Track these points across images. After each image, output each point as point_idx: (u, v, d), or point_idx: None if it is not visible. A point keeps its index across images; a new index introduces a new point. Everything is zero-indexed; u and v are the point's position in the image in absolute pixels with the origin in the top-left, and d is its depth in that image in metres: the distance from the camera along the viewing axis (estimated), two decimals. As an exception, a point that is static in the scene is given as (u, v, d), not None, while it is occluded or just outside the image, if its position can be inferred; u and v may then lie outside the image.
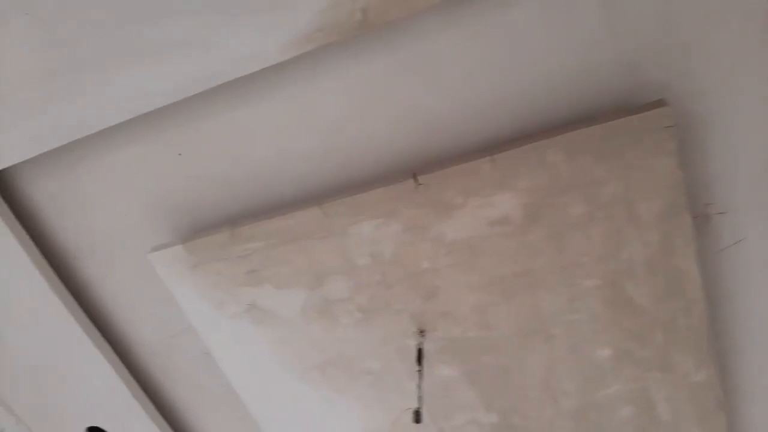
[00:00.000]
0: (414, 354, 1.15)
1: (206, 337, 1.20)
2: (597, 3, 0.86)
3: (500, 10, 0.88)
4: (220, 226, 1.12)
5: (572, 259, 1.01)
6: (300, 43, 0.88)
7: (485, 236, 1.01)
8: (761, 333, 1.11)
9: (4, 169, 1.11)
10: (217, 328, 1.18)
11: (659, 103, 0.87)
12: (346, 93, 0.98)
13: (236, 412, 1.38)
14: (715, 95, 0.91)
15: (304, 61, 0.95)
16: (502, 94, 0.94)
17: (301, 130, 1.02)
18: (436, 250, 1.03)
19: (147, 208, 1.14)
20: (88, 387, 1.32)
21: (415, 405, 1.09)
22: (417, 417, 0.98)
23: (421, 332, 1.12)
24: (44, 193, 1.15)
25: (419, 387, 1.02)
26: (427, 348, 1.14)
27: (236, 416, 1.39)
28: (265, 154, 1.05)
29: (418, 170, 0.98)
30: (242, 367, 1.23)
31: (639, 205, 0.95)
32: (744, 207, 1.00)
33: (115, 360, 1.29)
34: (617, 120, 0.88)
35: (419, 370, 1.06)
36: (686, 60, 0.88)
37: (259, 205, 1.11)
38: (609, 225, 0.97)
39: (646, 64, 0.89)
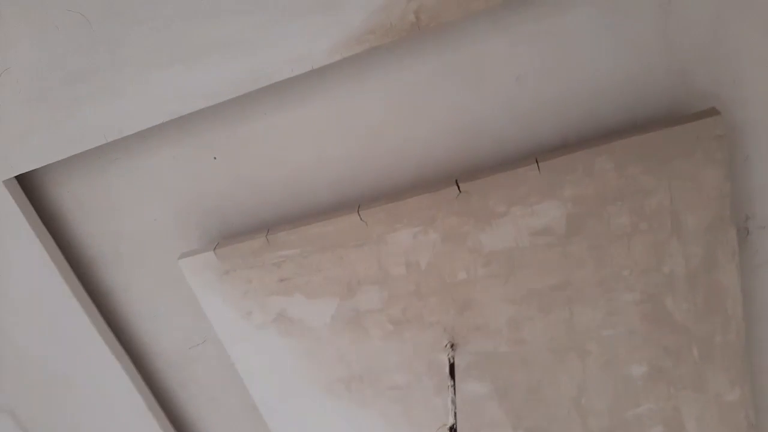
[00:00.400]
0: (444, 368, 1.10)
1: (230, 347, 1.15)
2: (653, 11, 0.84)
3: (553, 16, 0.85)
4: (253, 232, 1.07)
5: (613, 271, 0.98)
6: (350, 44, 0.86)
7: (526, 247, 0.97)
8: (798, 352, 1.08)
9: (33, 171, 1.07)
10: (242, 338, 1.13)
11: (711, 112, 0.85)
12: (389, 96, 0.95)
13: (253, 427, 1.32)
14: (763, 104, 0.89)
15: (347, 63, 0.92)
16: (550, 99, 0.92)
17: (341, 134, 0.99)
18: (474, 260, 0.99)
19: (177, 213, 1.10)
20: (102, 398, 1.25)
21: (444, 420, 1.05)
22: (454, 433, 0.93)
23: (452, 346, 1.08)
24: (71, 197, 1.10)
25: (454, 402, 0.97)
26: (457, 362, 1.09)
27: (250, 429, 1.33)
28: (303, 159, 1.01)
29: (460, 177, 0.94)
30: (264, 379, 1.18)
31: (684, 216, 0.92)
32: (784, 223, 0.98)
33: (132, 370, 1.23)
34: (668, 128, 0.85)
35: (452, 385, 1.01)
36: (736, 68, 0.87)
37: (294, 211, 1.07)
38: (653, 237, 0.94)
39: (697, 71, 0.87)
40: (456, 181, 0.93)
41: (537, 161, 0.90)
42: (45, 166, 1.04)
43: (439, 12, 0.81)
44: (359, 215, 0.97)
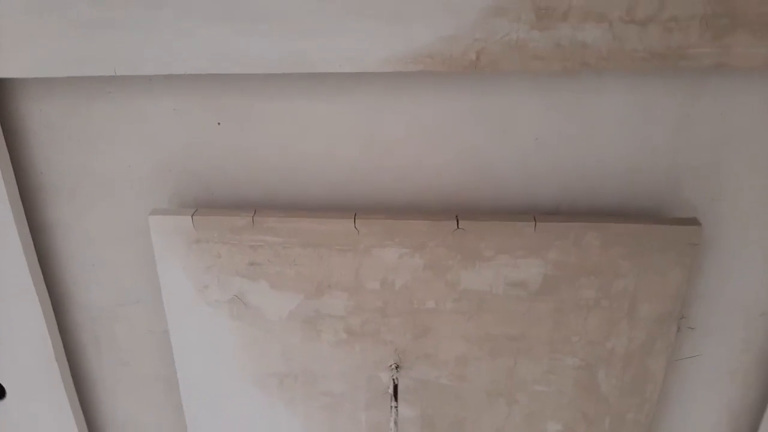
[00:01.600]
0: (380, 386, 1.12)
1: (172, 316, 1.08)
2: (673, 122, 0.92)
3: (589, 94, 0.92)
4: (234, 208, 1.04)
5: (564, 336, 1.05)
6: (405, 61, 0.86)
7: (498, 294, 1.02)
8: (686, 440, 1.22)
9: (10, 78, 0.96)
10: (189, 310, 1.07)
11: (693, 221, 0.94)
12: (414, 119, 0.96)
13: (159, 399, 1.26)
14: (726, 229, 1.00)
15: (390, 75, 0.93)
16: (559, 167, 0.97)
17: (356, 139, 0.98)
18: (447, 293, 1.02)
19: (157, 167, 1.03)
20: (9, 336, 1.13)
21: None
22: (393, 454, 0.94)
23: (397, 367, 1.10)
24: (43, 117, 1.00)
25: (396, 423, 0.99)
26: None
27: (157, 403, 1.26)
28: (309, 152, 0.99)
29: (459, 213, 0.97)
30: (197, 356, 1.12)
31: (641, 304, 1.01)
32: (710, 329, 1.10)
33: (50, 314, 1.12)
34: (656, 225, 0.94)
35: (395, 407, 1.03)
36: (718, 193, 0.98)
37: (283, 200, 1.04)
38: (609, 314, 1.02)
39: (688, 182, 0.97)
40: (456, 216, 0.96)
41: (535, 220, 0.95)
42: (26, 79, 0.94)
43: (500, 60, 0.84)
44: (354, 222, 0.97)
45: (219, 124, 0.99)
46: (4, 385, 1.20)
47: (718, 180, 0.96)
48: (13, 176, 1.02)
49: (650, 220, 0.95)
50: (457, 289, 1.02)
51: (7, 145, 1.01)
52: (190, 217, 0.99)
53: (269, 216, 0.98)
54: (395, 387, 1.06)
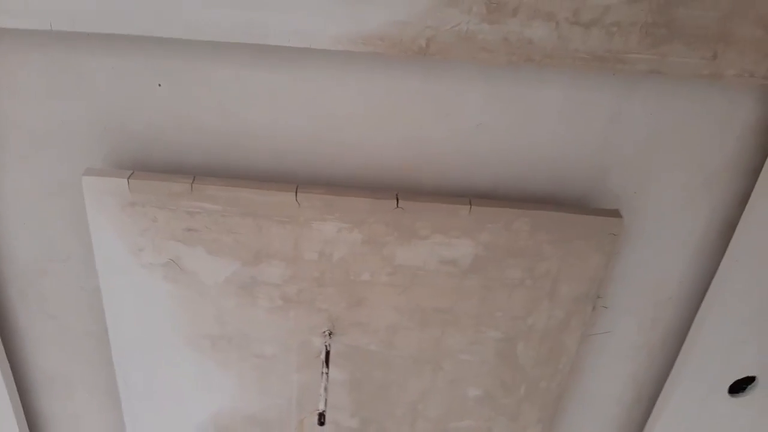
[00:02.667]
0: (313, 350, 1.16)
1: (104, 275, 1.08)
2: (605, 116, 0.98)
3: (530, 87, 0.95)
4: (172, 172, 1.02)
5: (489, 311, 1.12)
6: (356, 41, 0.87)
7: (430, 270, 1.07)
8: (592, 404, 1.34)
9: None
10: (122, 271, 1.07)
11: (615, 213, 1.02)
12: (361, 97, 0.97)
13: (90, 354, 1.26)
14: (646, 221, 1.09)
15: (341, 53, 0.93)
16: (497, 152, 1.02)
17: (304, 111, 0.98)
18: (382, 267, 1.07)
19: (92, 124, 1.00)
20: None
21: (292, 395, 1.11)
22: (321, 419, 1.00)
23: (330, 334, 1.14)
24: (-32, 62, 0.95)
25: (326, 389, 1.04)
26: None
27: (87, 358, 1.26)
28: (255, 119, 0.99)
29: (399, 192, 1.01)
30: (129, 316, 1.13)
31: (561, 285, 1.09)
32: (622, 308, 1.20)
33: (-28, 267, 1.10)
34: (581, 215, 1.01)
35: (326, 373, 1.08)
36: (641, 185, 1.05)
37: (222, 166, 1.04)
38: (531, 293, 1.10)
39: (615, 175, 1.04)
40: (397, 196, 0.99)
41: (471, 203, 1.00)
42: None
43: (449, 49, 0.86)
44: (296, 195, 0.99)
45: (160, 85, 0.97)
46: None
47: (641, 176, 1.04)
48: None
49: (576, 209, 1.01)
50: (392, 263, 1.06)
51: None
52: (125, 180, 0.98)
53: (209, 184, 0.98)
54: (327, 353, 1.11)
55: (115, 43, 0.93)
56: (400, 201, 1.00)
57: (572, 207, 1.03)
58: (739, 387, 1.27)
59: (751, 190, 1.02)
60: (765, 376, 1.24)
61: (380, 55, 0.90)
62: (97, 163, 1.04)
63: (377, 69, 0.94)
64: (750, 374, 1.24)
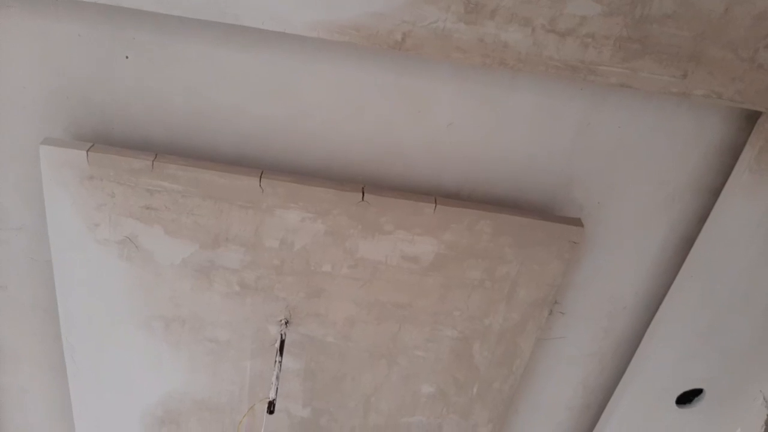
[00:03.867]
0: (267, 338, 1.16)
1: (57, 250, 1.05)
2: (574, 125, 0.99)
3: (502, 90, 0.96)
4: (133, 148, 1.01)
5: (447, 309, 1.13)
6: (331, 30, 0.86)
7: (392, 265, 1.07)
8: (543, 407, 1.36)
9: None
10: (76, 246, 1.05)
11: (576, 222, 1.03)
12: (333, 86, 0.96)
13: (38, 327, 1.23)
14: (605, 231, 1.11)
15: (315, 40, 0.92)
16: (465, 153, 1.02)
17: (273, 96, 0.97)
18: (344, 260, 1.07)
19: (54, 93, 0.97)
20: None
21: (243, 383, 1.11)
22: (271, 408, 1.00)
23: (287, 323, 1.14)
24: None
25: (278, 378, 1.04)
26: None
27: (35, 331, 1.24)
28: (223, 101, 0.98)
29: (366, 186, 1.00)
30: (81, 292, 1.11)
31: (520, 288, 1.10)
32: (578, 315, 1.23)
33: None
34: (543, 221, 1.02)
35: (279, 361, 1.08)
36: (604, 197, 1.07)
37: (186, 146, 1.02)
38: (490, 295, 1.11)
39: (579, 184, 1.05)
40: (363, 189, 0.99)
41: (436, 202, 1.00)
42: None
43: (425, 45, 0.86)
44: (260, 181, 0.98)
45: (127, 57, 0.95)
46: None
47: (605, 187, 1.06)
48: None
49: (539, 215, 1.03)
50: (354, 256, 1.06)
51: None
52: (85, 152, 0.96)
53: (171, 162, 0.97)
54: (282, 342, 1.11)
55: (84, 10, 0.90)
56: (365, 194, 1.00)
57: (535, 213, 1.05)
58: (687, 398, 1.31)
59: (711, 209, 1.05)
60: (712, 389, 1.28)
61: (355, 45, 0.90)
62: (57, 133, 1.01)
63: (351, 60, 0.94)
64: (697, 387, 1.27)
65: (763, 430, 1.26)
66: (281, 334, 1.12)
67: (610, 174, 1.04)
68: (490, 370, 1.22)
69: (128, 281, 1.09)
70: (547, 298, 1.12)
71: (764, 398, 1.26)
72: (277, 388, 1.02)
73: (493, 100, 0.97)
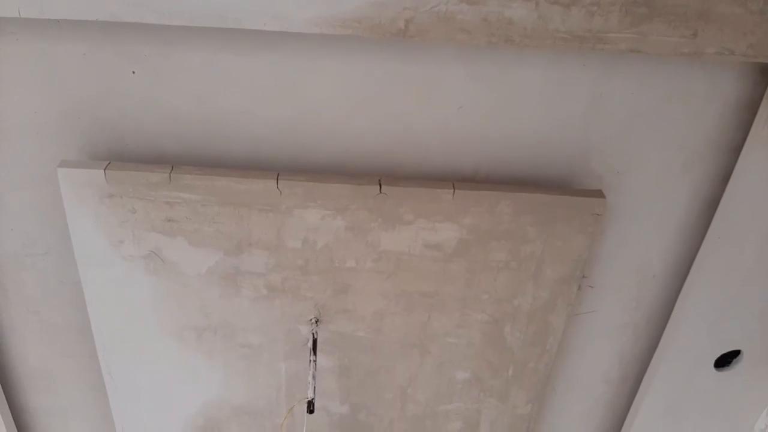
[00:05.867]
0: (299, 338, 1.16)
1: (85, 269, 1.07)
2: (586, 96, 0.98)
3: (510, 67, 0.95)
4: (149, 162, 1.01)
5: (475, 293, 1.12)
6: (333, 24, 0.85)
7: (415, 255, 1.07)
8: (580, 383, 1.35)
9: None
10: (103, 264, 1.06)
11: (598, 194, 1.02)
12: (340, 81, 0.96)
13: (73, 347, 1.25)
14: (629, 200, 1.09)
15: (317, 36, 0.92)
16: (478, 135, 1.01)
17: (281, 97, 0.97)
18: (367, 254, 1.06)
19: (66, 114, 0.98)
20: None
21: (281, 384, 1.11)
22: (310, 407, 1.00)
23: (317, 321, 1.14)
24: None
25: (314, 377, 1.04)
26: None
27: (71, 351, 1.26)
28: (232, 106, 0.98)
29: (382, 178, 1.00)
30: (112, 309, 1.12)
31: (546, 266, 1.09)
32: (607, 288, 1.21)
33: (-52, 264, 1.08)
34: (563, 196, 1.01)
35: (314, 360, 1.08)
36: (624, 165, 1.05)
37: (201, 155, 1.02)
38: (516, 275, 1.10)
39: (597, 155, 1.04)
40: (380, 181, 0.99)
41: (454, 187, 1.00)
42: None
43: (428, 30, 0.85)
44: (277, 183, 0.98)
45: (134, 72, 0.96)
46: None
47: (623, 156, 1.04)
48: None
49: (558, 191, 1.02)
50: (377, 249, 1.06)
51: None
52: (102, 170, 0.96)
53: (187, 173, 0.97)
54: (314, 341, 1.11)
55: (86, 29, 0.91)
56: (383, 186, 0.99)
57: (555, 188, 1.04)
58: (725, 361, 1.29)
59: (733, 168, 1.03)
60: (749, 349, 1.26)
61: (358, 38, 0.89)
62: (72, 154, 1.02)
63: (355, 52, 0.93)
64: (735, 348, 1.26)
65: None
66: (313, 333, 1.12)
67: (628, 142, 1.03)
68: (523, 350, 1.21)
69: (157, 294, 1.10)
70: (574, 273, 1.10)
71: (805, 354, 1.24)
72: (314, 387, 1.03)
73: (502, 79, 0.96)
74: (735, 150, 1.03)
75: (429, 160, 1.05)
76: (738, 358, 1.28)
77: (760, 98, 0.97)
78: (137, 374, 1.21)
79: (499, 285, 1.11)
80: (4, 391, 1.28)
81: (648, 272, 1.19)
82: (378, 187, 0.99)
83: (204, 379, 1.21)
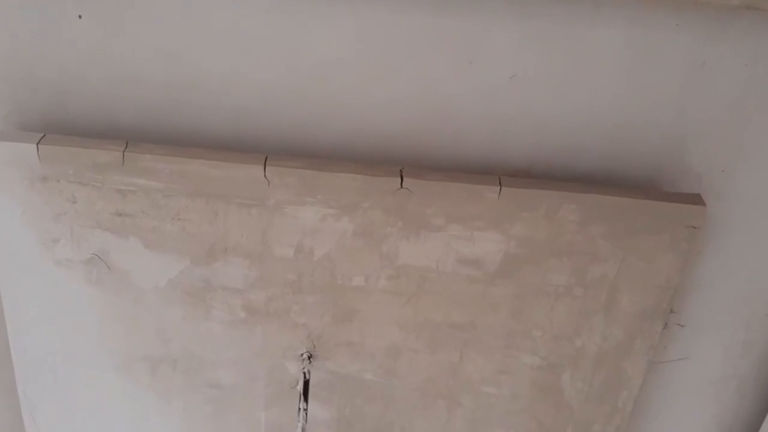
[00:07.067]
0: (286, 379, 1.19)
1: (5, 275, 1.10)
2: (684, 65, 0.99)
3: (582, 28, 0.96)
4: (99, 136, 1.04)
5: (524, 328, 1.14)
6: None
7: (445, 272, 1.08)
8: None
9: None
10: (30, 269, 1.09)
11: (695, 200, 1.03)
12: (353, 37, 0.98)
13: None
14: (738, 204, 1.10)
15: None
16: (535, 114, 1.03)
17: (275, 57, 1.00)
18: (381, 268, 1.08)
19: (-9, 72, 1.02)
20: None
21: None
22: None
23: (310, 357, 1.17)
24: None
25: (303, 430, 1.07)
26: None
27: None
28: (209, 65, 1.00)
29: (405, 168, 1.02)
30: (39, 330, 1.15)
31: (622, 295, 1.10)
32: (704, 327, 1.22)
33: None
34: (648, 201, 1.02)
35: (305, 409, 1.10)
36: (732, 161, 1.06)
37: (167, 128, 1.06)
38: (581, 305, 1.11)
39: (694, 146, 1.05)
40: (401, 172, 1.01)
41: (500, 183, 1.01)
42: None
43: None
44: (264, 169, 1.00)
45: (80, 17, 0.99)
46: None
47: (731, 148, 1.05)
48: None
49: (642, 193, 1.03)
50: (393, 263, 1.08)
51: None
52: (34, 145, 0.99)
53: (146, 152, 1.00)
54: (306, 382, 1.13)
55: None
56: (405, 179, 1.01)
57: (637, 190, 1.05)
58: None
59: None
60: None
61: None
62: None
63: (375, 0, 0.96)
64: None
65: None
66: (304, 373, 1.14)
67: (738, 130, 1.04)
68: (586, 407, 1.22)
69: (100, 312, 1.13)
70: (660, 306, 1.11)
71: None
72: (303, 445, 1.05)
73: (570, 41, 0.97)
74: None
75: (468, 146, 1.06)
76: None
77: None
78: (69, 418, 1.24)
79: (556, 318, 1.13)
80: None
81: (761, 308, 1.20)
82: (398, 179, 1.01)
83: (157, 427, 1.24)
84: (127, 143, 1.01)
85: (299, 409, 1.10)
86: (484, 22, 0.97)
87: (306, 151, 1.07)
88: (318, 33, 0.98)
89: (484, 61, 1.00)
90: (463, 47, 0.99)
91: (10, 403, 1.28)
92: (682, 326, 1.22)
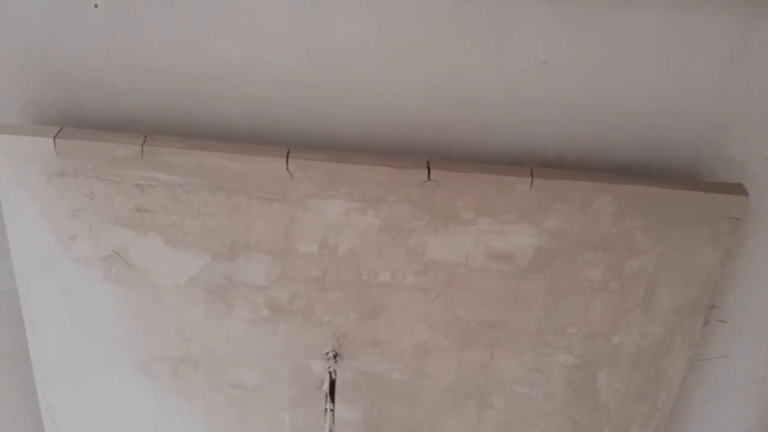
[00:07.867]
0: (310, 379, 1.19)
1: (22, 272, 1.11)
2: (725, 49, 0.97)
3: (617, 7, 0.95)
4: (117, 130, 1.05)
5: (558, 325, 1.13)
6: (370, -55, 0.87)
7: (475, 268, 1.08)
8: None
9: None
10: (47, 266, 1.10)
11: (737, 189, 1.01)
12: (375, 22, 0.98)
13: (3, 381, 1.30)
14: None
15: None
16: (568, 102, 1.02)
17: (294, 45, 1.00)
18: (408, 263, 1.08)
19: (5, 62, 1.03)
20: None
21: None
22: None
23: (336, 356, 1.16)
24: None
25: (331, 431, 1.07)
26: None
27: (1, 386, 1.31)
28: (229, 56, 1.01)
29: (432, 160, 1.01)
30: (57, 328, 1.16)
31: (661, 290, 1.09)
32: (746, 323, 1.20)
33: None
34: (687, 191, 1.01)
35: (331, 410, 1.10)
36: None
37: (186, 121, 1.06)
38: (618, 301, 1.10)
39: (736, 133, 1.04)
40: (428, 163, 1.00)
41: (532, 175, 1.00)
42: None
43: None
44: (287, 162, 1.00)
45: (96, 6, 0.99)
46: None
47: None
48: None
49: (681, 184, 1.01)
50: (421, 258, 1.08)
51: None
52: (51, 139, 1.00)
53: (165, 145, 1.00)
54: (332, 382, 1.13)
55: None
56: (432, 170, 1.01)
57: (675, 180, 1.03)
58: None
59: None
60: None
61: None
62: (12, 116, 1.07)
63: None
64: None
65: None
66: (330, 373, 1.14)
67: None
68: (623, 407, 1.21)
69: (119, 311, 1.14)
70: (701, 301, 1.10)
71: None
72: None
73: (603, 25, 0.96)
74: None
75: (497, 136, 1.06)
76: None
77: None
78: (88, 420, 1.25)
79: (592, 314, 1.12)
80: None
81: (806, 303, 1.18)
82: (425, 171, 1.00)
83: (178, 428, 1.25)
84: (145, 137, 1.01)
85: (325, 409, 1.10)
86: (512, 5, 0.96)
87: (327, 142, 1.07)
88: (338, 18, 0.98)
89: (513, 47, 0.99)
90: (491, 32, 0.98)
91: (29, 404, 1.30)
92: (723, 322, 1.21)
